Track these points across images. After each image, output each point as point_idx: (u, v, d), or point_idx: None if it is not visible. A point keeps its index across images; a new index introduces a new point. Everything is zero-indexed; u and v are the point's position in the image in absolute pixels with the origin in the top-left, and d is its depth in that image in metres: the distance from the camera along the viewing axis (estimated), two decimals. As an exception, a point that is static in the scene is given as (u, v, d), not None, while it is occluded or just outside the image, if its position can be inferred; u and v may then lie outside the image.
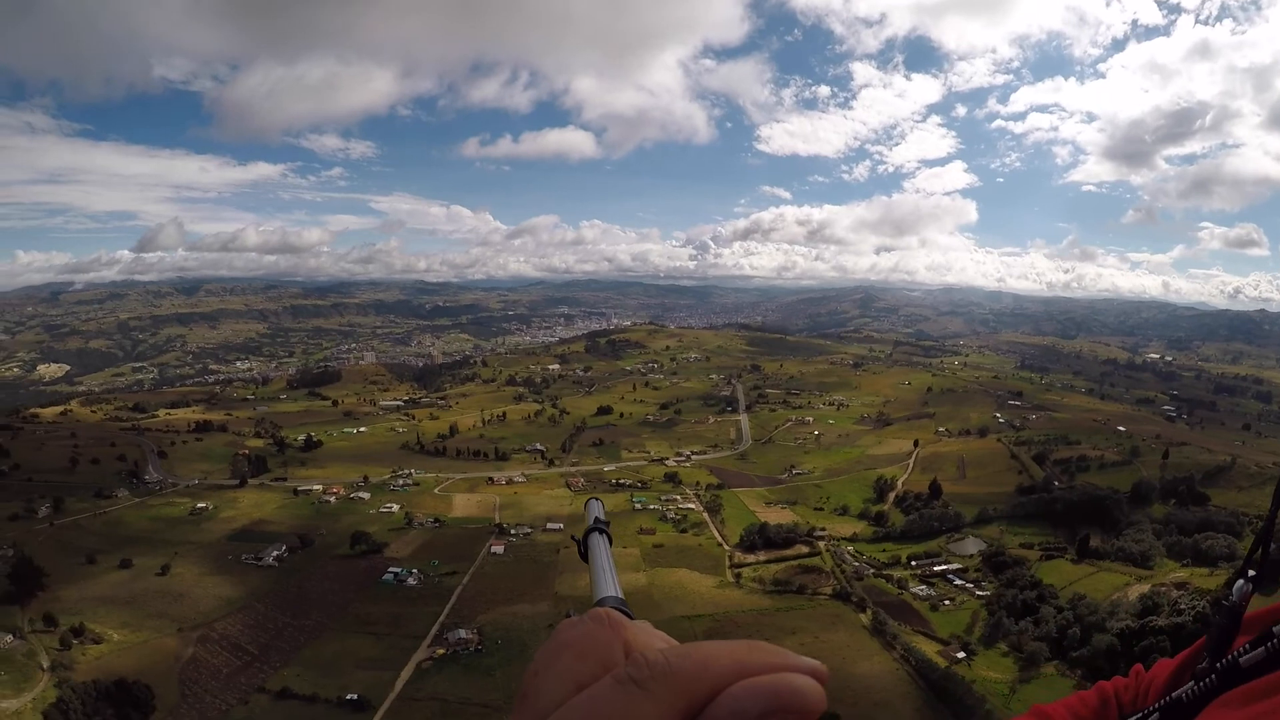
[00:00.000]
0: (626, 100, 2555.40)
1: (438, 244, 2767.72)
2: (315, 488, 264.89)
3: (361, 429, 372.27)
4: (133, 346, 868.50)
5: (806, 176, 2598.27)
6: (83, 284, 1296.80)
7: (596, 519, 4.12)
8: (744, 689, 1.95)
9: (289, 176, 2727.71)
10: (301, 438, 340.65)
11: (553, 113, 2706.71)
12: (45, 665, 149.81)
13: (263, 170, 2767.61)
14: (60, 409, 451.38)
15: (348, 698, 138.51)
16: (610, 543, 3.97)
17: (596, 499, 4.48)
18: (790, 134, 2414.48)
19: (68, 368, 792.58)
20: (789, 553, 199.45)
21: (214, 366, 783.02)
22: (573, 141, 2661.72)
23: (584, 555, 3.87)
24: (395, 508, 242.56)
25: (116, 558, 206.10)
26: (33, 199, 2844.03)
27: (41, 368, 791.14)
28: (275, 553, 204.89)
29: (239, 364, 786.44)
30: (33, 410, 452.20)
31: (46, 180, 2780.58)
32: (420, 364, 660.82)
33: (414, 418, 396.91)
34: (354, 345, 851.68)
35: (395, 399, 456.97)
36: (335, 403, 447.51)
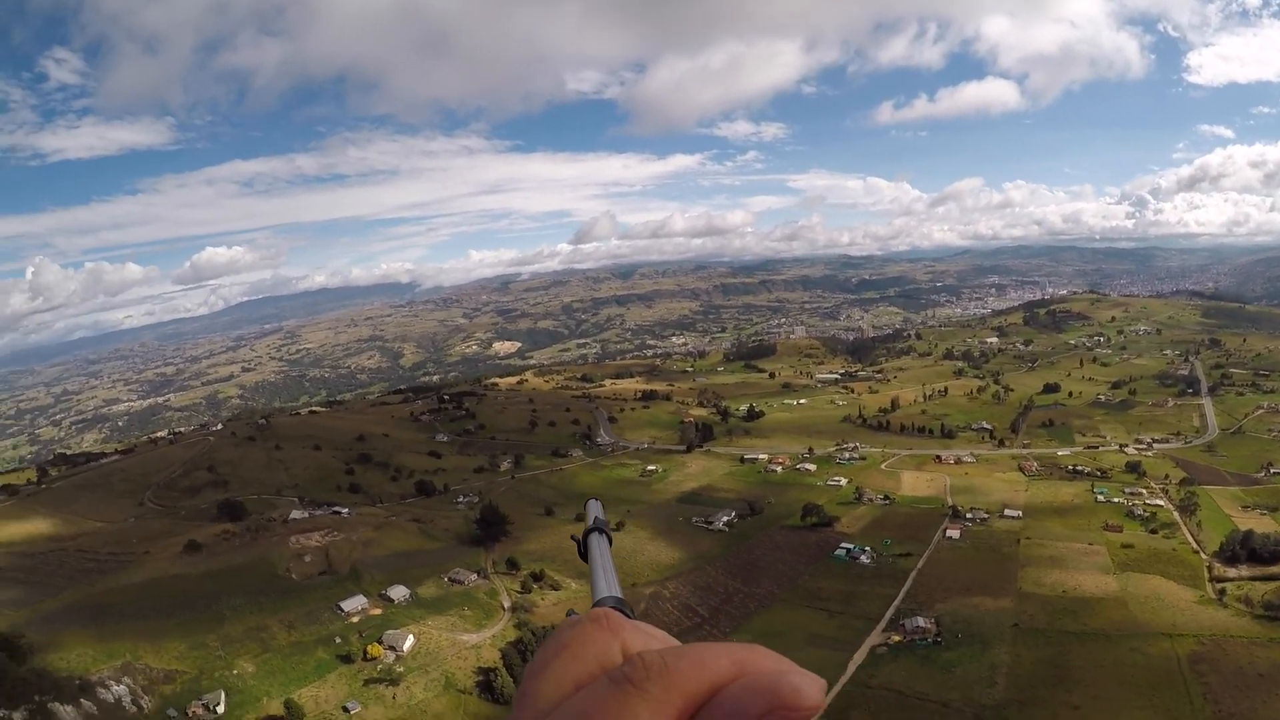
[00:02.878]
0: (1045, 36, 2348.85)
1: (859, 217, 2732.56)
2: (761, 457, 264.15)
3: (801, 401, 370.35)
4: (576, 325, 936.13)
5: (1250, 108, 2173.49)
6: (528, 274, 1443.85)
7: (596, 519, 4.19)
8: (742, 688, 1.96)
9: (706, 164, 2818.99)
10: (743, 408, 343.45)
11: (967, 64, 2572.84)
12: (506, 605, 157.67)
13: (681, 161, 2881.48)
14: (517, 378, 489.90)
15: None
16: (610, 543, 3.96)
17: (595, 499, 4.58)
18: (1223, 58, 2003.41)
19: (519, 344, 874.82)
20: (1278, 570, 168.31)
21: (651, 342, 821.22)
22: (992, 93, 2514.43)
23: (584, 555, 3.85)
24: (843, 481, 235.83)
25: (573, 511, 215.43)
26: (479, 207, 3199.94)
27: (497, 345, 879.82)
28: (725, 518, 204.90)
29: (674, 339, 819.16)
30: (493, 379, 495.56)
31: (488, 191, 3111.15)
32: (850, 337, 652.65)
33: (853, 391, 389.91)
34: (783, 320, 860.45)
35: (831, 372, 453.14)
36: (771, 375, 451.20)
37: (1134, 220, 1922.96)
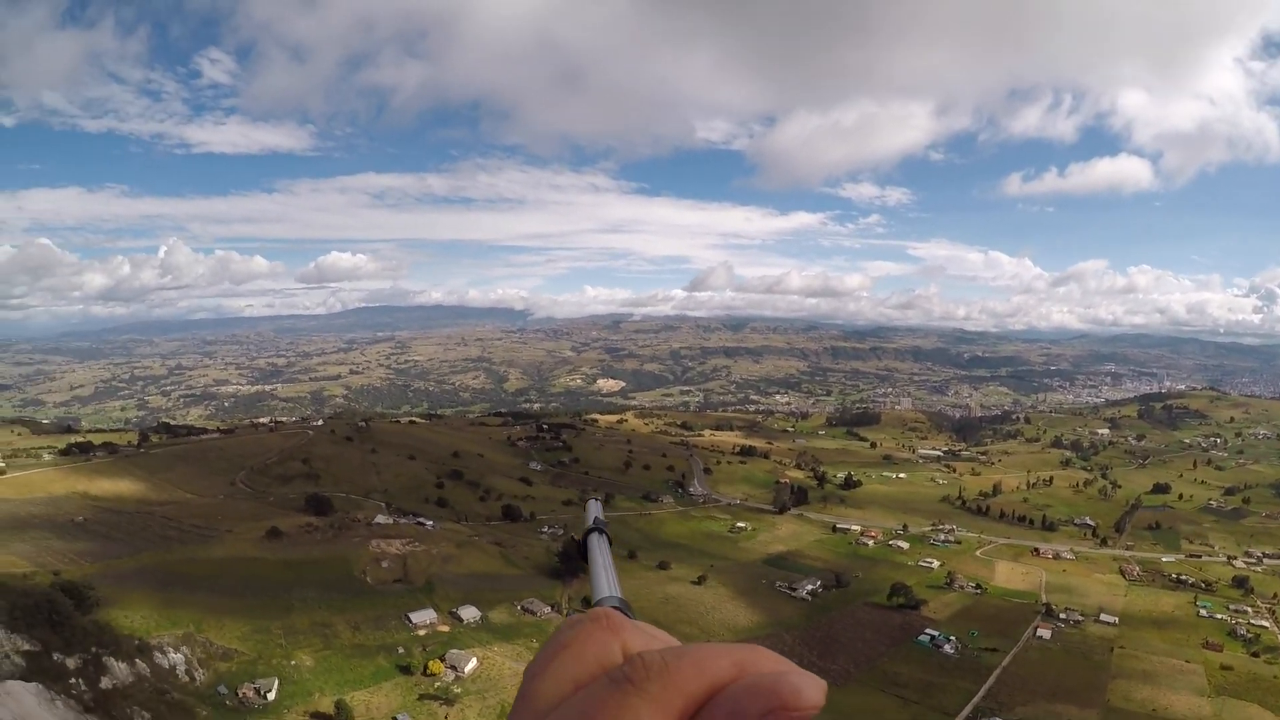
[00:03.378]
0: (1183, 113, 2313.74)
1: (977, 291, 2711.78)
2: (853, 528, 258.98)
3: (900, 475, 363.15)
4: (682, 372, 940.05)
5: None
6: (640, 315, 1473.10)
7: (596, 519, 4.13)
8: (742, 688, 1.93)
9: (828, 224, 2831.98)
10: (841, 475, 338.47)
11: (1101, 138, 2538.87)
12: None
13: (803, 219, 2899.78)
14: (617, 417, 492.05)
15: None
16: (610, 543, 3.94)
17: (595, 499, 4.52)
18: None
19: (623, 384, 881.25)
20: None
21: (755, 397, 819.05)
22: (1125, 171, 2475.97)
23: (584, 555, 3.84)
24: (935, 564, 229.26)
25: (656, 558, 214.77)
26: (599, 244, 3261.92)
27: (601, 382, 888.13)
28: (809, 586, 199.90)
29: (778, 397, 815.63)
30: (593, 415, 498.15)
31: (610, 230, 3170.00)
32: (957, 414, 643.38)
33: (954, 470, 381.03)
34: (890, 389, 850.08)
35: (934, 448, 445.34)
36: (873, 445, 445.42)
37: (1261, 315, 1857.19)
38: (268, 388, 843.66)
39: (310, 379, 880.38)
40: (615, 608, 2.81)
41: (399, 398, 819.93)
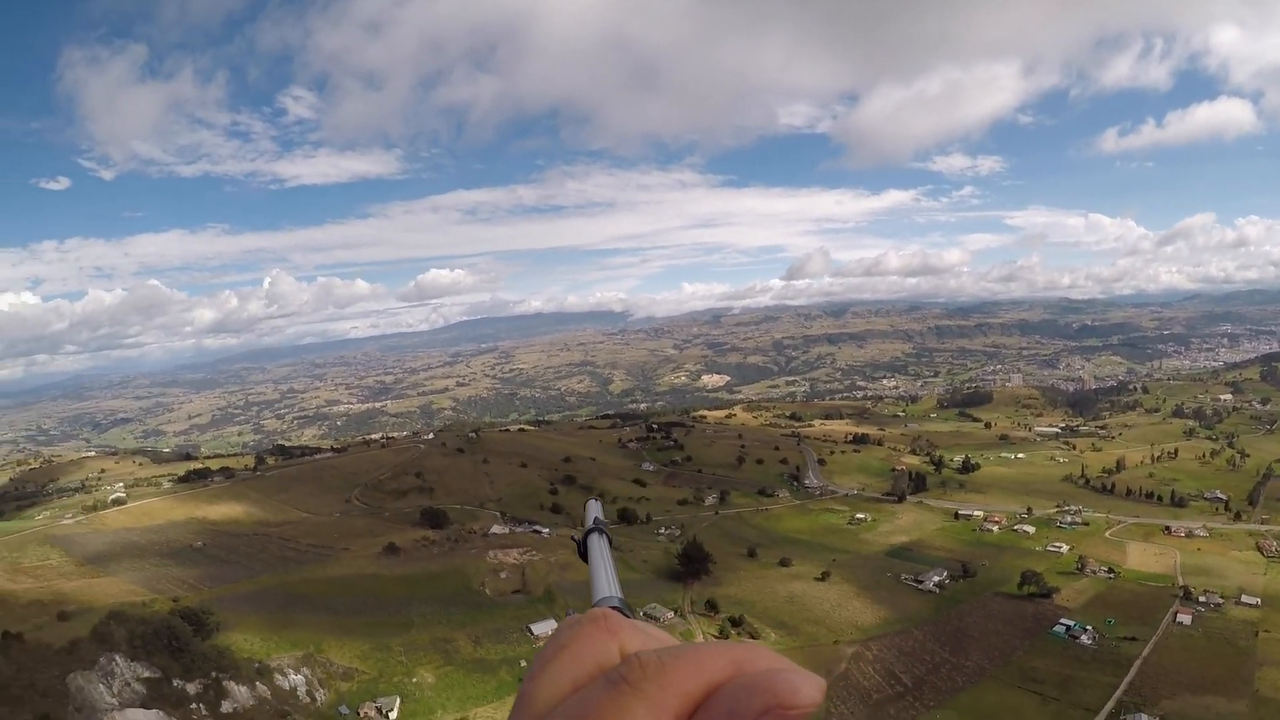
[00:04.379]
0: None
1: (1080, 257, 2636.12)
2: (976, 513, 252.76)
3: (1019, 455, 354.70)
4: (786, 362, 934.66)
5: None
6: (739, 309, 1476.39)
7: (596, 519, 4.21)
8: (740, 686, 1.91)
9: (921, 200, 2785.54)
10: (958, 459, 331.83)
11: (1196, 82, 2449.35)
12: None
13: (895, 197, 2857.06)
14: (725, 412, 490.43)
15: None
16: (610, 543, 3.99)
17: (596, 499, 4.58)
18: None
19: (727, 378, 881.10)
20: None
21: (861, 383, 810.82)
22: (1225, 115, 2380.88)
23: (583, 555, 3.84)
24: (1064, 548, 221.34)
25: (776, 555, 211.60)
26: (692, 240, 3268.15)
27: (705, 377, 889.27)
28: (936, 578, 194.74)
29: (885, 381, 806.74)
30: (701, 411, 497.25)
31: (701, 225, 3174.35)
32: (1071, 388, 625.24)
33: (1074, 447, 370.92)
34: (999, 366, 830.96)
35: (1050, 425, 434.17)
36: (987, 425, 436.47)
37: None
38: (377, 405, 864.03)
39: (418, 394, 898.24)
40: (615, 608, 2.77)
41: (506, 406, 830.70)
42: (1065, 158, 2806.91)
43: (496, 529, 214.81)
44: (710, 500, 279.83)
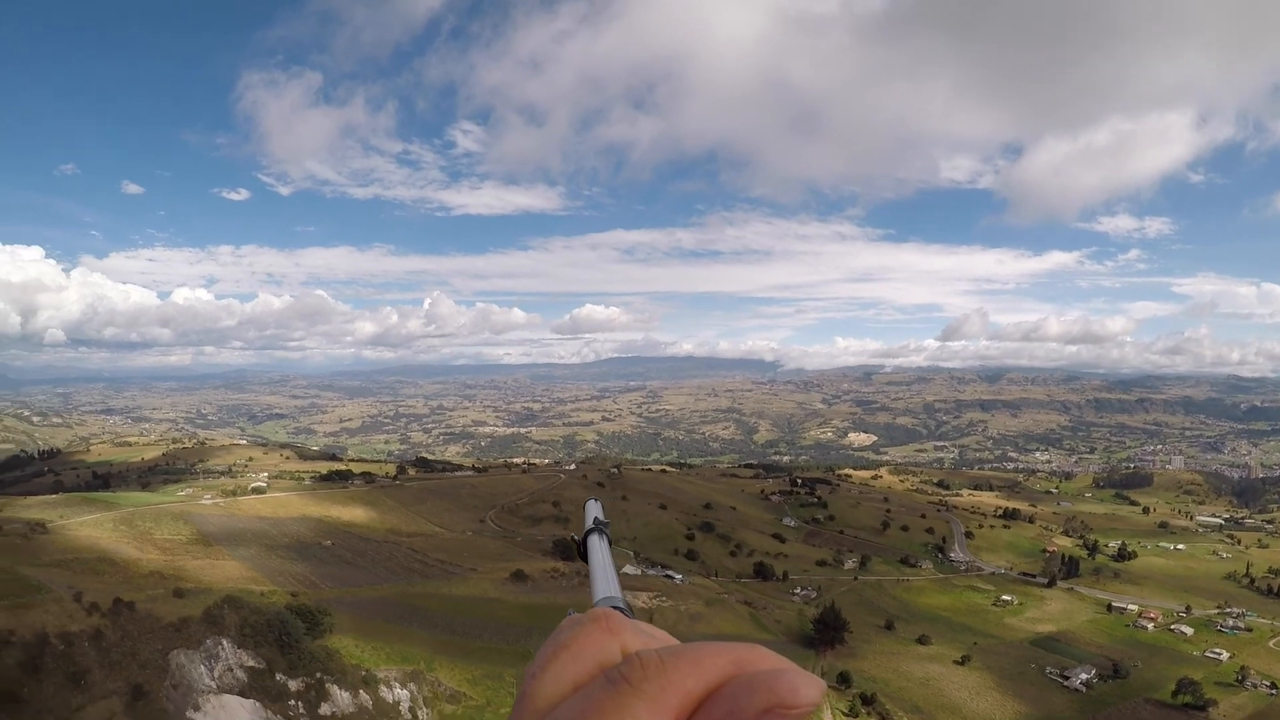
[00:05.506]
0: None
1: (1251, 330, 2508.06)
2: (1131, 608, 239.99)
3: (1179, 546, 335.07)
4: (936, 426, 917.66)
5: None
6: (891, 367, 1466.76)
7: (596, 519, 4.19)
8: (740, 685, 1.93)
9: (1085, 263, 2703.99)
10: (1113, 545, 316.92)
11: None
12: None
13: (1058, 259, 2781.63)
14: (871, 473, 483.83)
15: None
16: (610, 543, 4.00)
17: (595, 499, 4.57)
18: None
19: (874, 438, 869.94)
20: None
21: (1013, 454, 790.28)
22: None
23: (584, 556, 3.86)
24: (1224, 655, 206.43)
25: (915, 630, 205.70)
26: (848, 294, 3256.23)
27: (852, 435, 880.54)
28: (1084, 675, 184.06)
29: (1038, 454, 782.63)
30: (846, 470, 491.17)
31: (858, 279, 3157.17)
32: (1235, 475, 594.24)
33: (1238, 541, 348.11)
34: (1159, 446, 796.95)
35: (1213, 514, 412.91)
36: (1146, 510, 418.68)
37: None
38: (522, 430, 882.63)
39: (563, 424, 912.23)
40: (615, 608, 2.68)
41: (649, 445, 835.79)
42: (1238, 220, 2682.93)
43: (629, 569, 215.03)
44: (850, 564, 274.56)
